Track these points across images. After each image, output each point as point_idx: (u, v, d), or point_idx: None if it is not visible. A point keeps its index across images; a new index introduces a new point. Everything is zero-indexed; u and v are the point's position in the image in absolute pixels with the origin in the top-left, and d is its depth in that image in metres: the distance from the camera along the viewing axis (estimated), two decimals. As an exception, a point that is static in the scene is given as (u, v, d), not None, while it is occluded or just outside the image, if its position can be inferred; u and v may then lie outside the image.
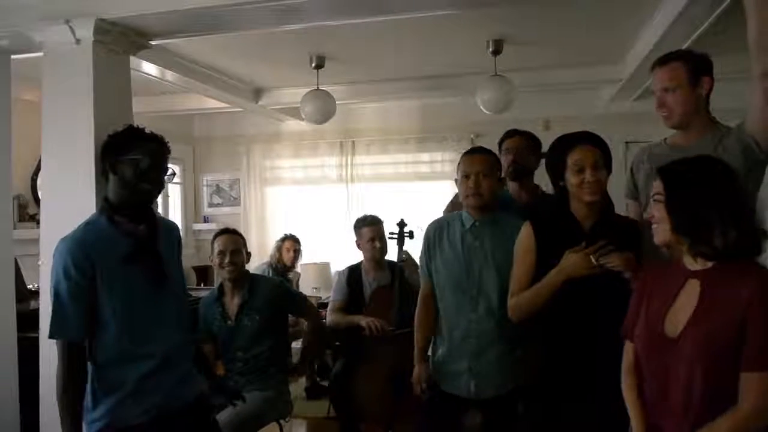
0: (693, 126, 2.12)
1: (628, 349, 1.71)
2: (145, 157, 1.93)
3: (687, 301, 1.55)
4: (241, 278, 3.03)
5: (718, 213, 1.49)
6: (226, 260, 2.98)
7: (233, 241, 3.04)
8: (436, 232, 2.45)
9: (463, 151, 2.53)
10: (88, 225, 1.95)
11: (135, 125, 2.05)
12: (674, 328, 1.54)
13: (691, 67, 2.07)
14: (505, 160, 2.85)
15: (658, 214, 1.58)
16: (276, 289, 3.14)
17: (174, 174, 2.08)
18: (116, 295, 1.88)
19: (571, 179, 1.98)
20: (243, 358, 2.97)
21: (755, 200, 2.11)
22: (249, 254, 3.16)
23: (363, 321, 3.32)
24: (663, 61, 2.13)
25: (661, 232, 1.58)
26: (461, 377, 2.33)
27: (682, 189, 1.55)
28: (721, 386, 1.46)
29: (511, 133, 2.98)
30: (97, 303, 1.86)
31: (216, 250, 3.03)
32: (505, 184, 2.83)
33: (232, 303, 3.02)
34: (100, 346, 1.89)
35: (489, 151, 2.42)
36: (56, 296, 1.85)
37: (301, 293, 3.52)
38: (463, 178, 2.34)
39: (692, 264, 1.57)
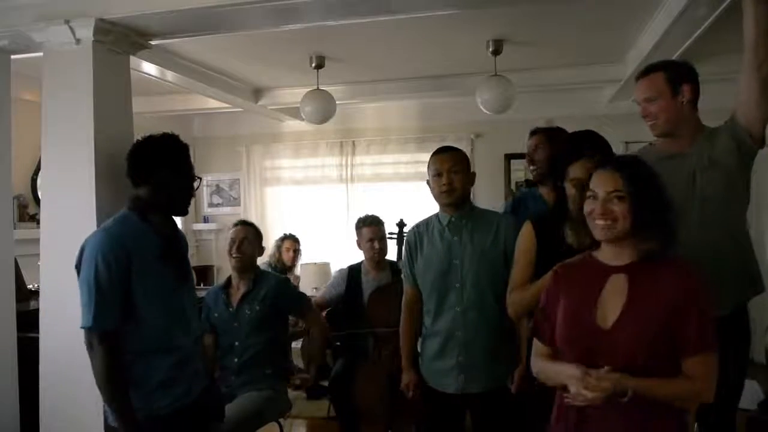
0: (682, 133, 2.15)
1: (537, 342, 1.74)
2: (197, 178, 2.11)
3: (614, 294, 1.59)
4: (248, 269, 3.08)
5: (666, 215, 1.57)
6: (234, 248, 3.06)
7: (244, 231, 3.12)
8: (416, 237, 2.49)
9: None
10: (123, 219, 2.02)
11: (170, 133, 2.10)
12: (605, 320, 1.58)
13: (670, 76, 2.12)
14: (527, 161, 2.82)
15: (617, 209, 1.57)
16: (281, 285, 3.16)
17: (200, 180, 2.20)
18: (150, 289, 1.95)
19: (569, 191, 2.01)
20: (239, 350, 2.97)
21: (749, 195, 2.13)
22: (263, 248, 3.22)
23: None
24: (644, 72, 2.19)
25: (620, 227, 1.57)
26: (450, 373, 2.35)
27: (644, 188, 1.58)
28: (661, 369, 1.52)
29: (531, 133, 2.84)
30: (130, 295, 1.91)
31: (229, 239, 3.12)
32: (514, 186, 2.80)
33: (237, 292, 3.08)
34: (133, 338, 1.93)
35: (457, 149, 2.45)
36: (96, 287, 1.87)
37: (304, 295, 3.52)
38: (435, 177, 2.37)
39: (612, 260, 1.62)
